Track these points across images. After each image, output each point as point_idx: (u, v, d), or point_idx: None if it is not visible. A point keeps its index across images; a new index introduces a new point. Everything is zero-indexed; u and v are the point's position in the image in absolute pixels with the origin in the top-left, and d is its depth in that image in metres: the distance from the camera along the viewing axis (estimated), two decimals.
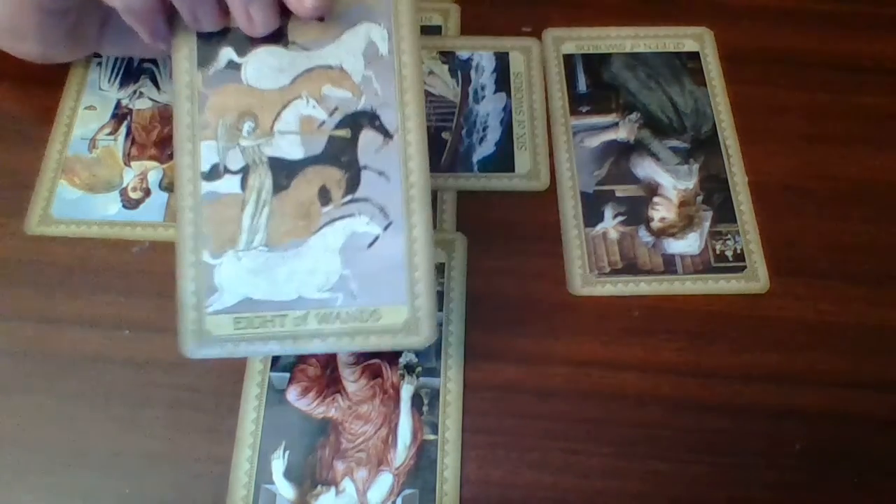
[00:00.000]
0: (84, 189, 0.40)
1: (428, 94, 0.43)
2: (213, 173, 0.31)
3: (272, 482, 0.34)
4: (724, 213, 0.40)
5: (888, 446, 0.35)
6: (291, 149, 0.32)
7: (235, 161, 0.32)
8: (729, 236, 0.40)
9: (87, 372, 0.36)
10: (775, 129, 0.43)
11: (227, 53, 0.32)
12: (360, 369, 0.36)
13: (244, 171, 0.31)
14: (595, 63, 0.45)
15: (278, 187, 0.31)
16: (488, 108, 0.43)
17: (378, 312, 0.30)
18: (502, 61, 0.45)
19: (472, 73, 0.44)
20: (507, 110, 0.43)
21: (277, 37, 0.32)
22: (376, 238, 0.31)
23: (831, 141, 0.43)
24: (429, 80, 0.44)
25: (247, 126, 0.32)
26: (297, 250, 0.31)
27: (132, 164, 0.41)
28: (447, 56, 0.45)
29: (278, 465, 0.34)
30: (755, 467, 0.35)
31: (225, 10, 0.31)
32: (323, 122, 0.32)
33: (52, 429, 0.35)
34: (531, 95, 0.44)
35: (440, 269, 0.38)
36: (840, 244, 0.40)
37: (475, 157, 0.42)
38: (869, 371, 0.37)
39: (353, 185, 0.31)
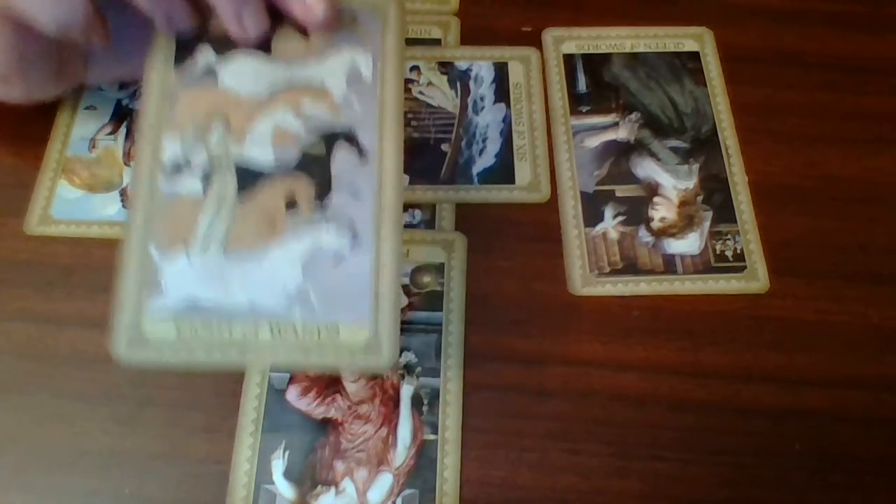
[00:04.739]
0: (84, 189, 0.40)
1: (426, 105, 0.43)
2: (175, 169, 0.30)
3: (272, 482, 0.34)
4: (724, 213, 0.40)
5: (888, 446, 0.35)
6: (262, 158, 0.30)
7: (200, 161, 0.30)
8: (729, 236, 0.40)
9: (87, 372, 0.36)
10: (775, 129, 0.43)
11: (205, 56, 0.31)
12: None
13: (208, 171, 0.30)
14: (595, 63, 0.45)
15: (243, 192, 0.30)
16: (488, 119, 0.43)
17: (337, 329, 0.29)
18: (501, 71, 0.44)
19: (471, 83, 0.44)
20: (507, 121, 0.43)
21: (261, 46, 0.31)
22: (342, 254, 0.29)
23: (831, 141, 0.43)
24: (427, 91, 0.43)
25: (217, 128, 0.30)
26: (257, 258, 0.29)
27: (132, 164, 0.41)
28: (446, 66, 0.44)
29: (278, 465, 0.34)
30: (755, 467, 0.35)
31: (199, 9, 0.31)
32: (298, 135, 0.31)
33: (52, 429, 0.35)
34: (531, 106, 0.43)
35: (440, 270, 0.38)
36: (840, 244, 0.40)
37: (475, 170, 0.41)
38: (869, 371, 0.37)
39: (322, 199, 0.30)
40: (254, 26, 0.31)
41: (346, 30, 0.32)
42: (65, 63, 0.36)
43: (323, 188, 0.30)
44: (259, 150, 0.30)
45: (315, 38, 0.32)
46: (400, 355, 0.36)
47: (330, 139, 0.31)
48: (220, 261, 0.29)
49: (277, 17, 0.31)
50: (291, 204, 0.30)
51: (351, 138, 0.31)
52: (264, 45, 0.32)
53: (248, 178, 0.30)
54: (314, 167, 0.30)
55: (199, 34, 0.32)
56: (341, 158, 0.31)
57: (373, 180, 0.30)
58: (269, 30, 0.31)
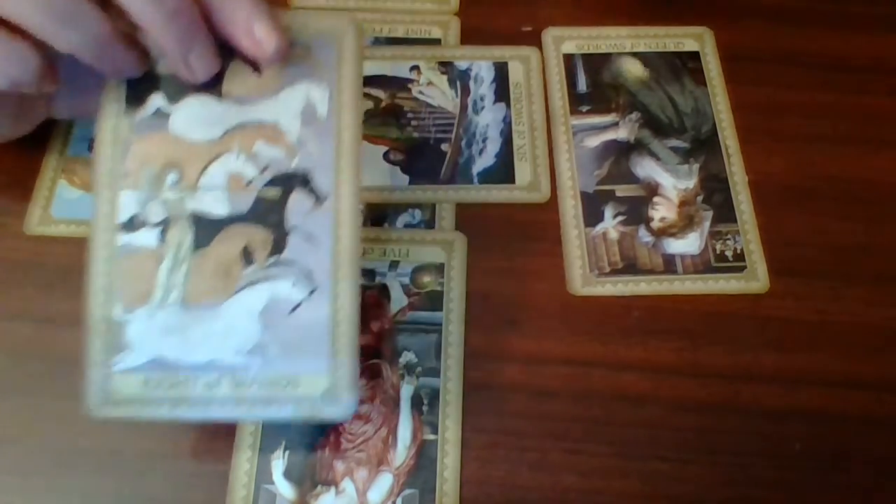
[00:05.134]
0: (84, 189, 0.40)
1: (427, 105, 0.43)
2: (131, 225, 0.30)
3: (272, 482, 0.34)
4: (724, 213, 0.40)
5: (888, 446, 0.35)
6: (216, 205, 0.30)
7: (156, 213, 0.30)
8: (729, 236, 0.40)
9: None
10: (775, 129, 0.43)
11: (156, 101, 0.30)
12: (361, 369, 0.36)
13: (164, 225, 0.30)
14: (595, 63, 0.45)
15: (199, 244, 0.30)
16: (488, 118, 0.43)
17: (296, 380, 0.29)
18: (501, 71, 0.44)
19: (471, 83, 0.44)
20: (507, 121, 0.43)
21: (211, 86, 0.30)
22: (299, 304, 0.29)
23: (831, 141, 0.43)
24: (427, 90, 0.43)
25: (171, 177, 0.30)
26: (215, 311, 0.29)
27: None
28: (446, 66, 0.44)
29: (278, 465, 0.34)
30: (755, 467, 0.35)
31: (146, 54, 0.30)
32: (252, 180, 0.30)
33: (52, 429, 0.35)
34: (531, 106, 0.43)
35: (440, 270, 0.38)
36: (840, 244, 0.40)
37: (475, 169, 0.41)
38: (869, 371, 0.37)
39: (278, 247, 0.30)
40: (203, 67, 0.30)
41: (300, 61, 0.31)
42: (24, 103, 0.35)
43: (278, 236, 0.30)
44: (213, 199, 0.30)
45: (267, 73, 0.31)
46: (401, 355, 0.36)
47: (285, 183, 0.30)
48: (179, 315, 0.29)
49: (228, 54, 0.30)
50: (247, 254, 0.30)
51: (306, 181, 0.30)
52: (216, 84, 0.30)
53: (203, 227, 0.30)
54: (269, 214, 0.30)
55: (150, 78, 0.31)
56: (297, 203, 0.30)
57: (329, 225, 0.30)
58: (219, 68, 0.30)
